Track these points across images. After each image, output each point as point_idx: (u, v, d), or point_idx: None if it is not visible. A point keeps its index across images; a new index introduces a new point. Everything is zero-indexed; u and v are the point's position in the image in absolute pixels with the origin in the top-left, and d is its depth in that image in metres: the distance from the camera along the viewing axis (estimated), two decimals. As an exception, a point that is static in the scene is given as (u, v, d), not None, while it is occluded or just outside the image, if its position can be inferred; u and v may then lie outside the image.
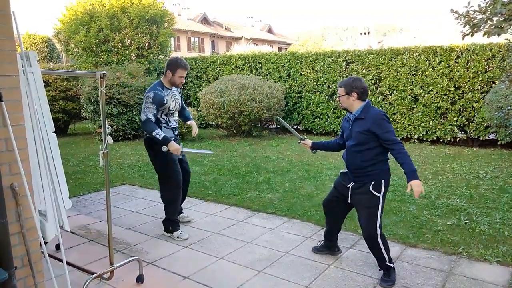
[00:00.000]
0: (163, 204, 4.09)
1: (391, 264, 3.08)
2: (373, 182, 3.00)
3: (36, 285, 2.34)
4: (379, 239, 3.02)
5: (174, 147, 3.67)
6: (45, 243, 2.66)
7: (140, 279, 3.12)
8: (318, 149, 3.60)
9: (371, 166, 3.02)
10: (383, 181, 3.02)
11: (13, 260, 2.21)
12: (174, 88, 3.99)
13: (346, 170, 3.24)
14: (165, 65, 3.94)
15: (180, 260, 3.53)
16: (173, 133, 4.00)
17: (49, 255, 2.67)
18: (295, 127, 11.04)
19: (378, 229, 3.02)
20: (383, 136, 2.94)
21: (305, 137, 3.64)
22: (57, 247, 3.57)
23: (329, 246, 3.57)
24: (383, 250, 3.04)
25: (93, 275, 2.85)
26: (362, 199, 3.07)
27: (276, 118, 9.08)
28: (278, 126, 11.34)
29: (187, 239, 3.96)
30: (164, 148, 3.69)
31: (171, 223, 4.04)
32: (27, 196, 2.27)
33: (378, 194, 3.01)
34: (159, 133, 3.64)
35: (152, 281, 3.16)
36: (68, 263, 2.82)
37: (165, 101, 3.83)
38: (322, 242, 3.62)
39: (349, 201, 3.18)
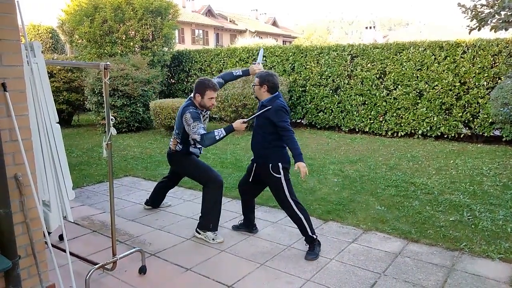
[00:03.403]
0: (201, 207, 3.86)
1: (314, 236, 3.45)
2: (270, 165, 3.42)
3: (40, 275, 2.36)
4: (294, 207, 3.42)
5: (238, 125, 3.45)
6: (49, 233, 2.69)
7: (142, 270, 3.14)
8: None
9: (268, 149, 3.46)
10: (279, 164, 3.42)
11: (17, 249, 2.23)
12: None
13: None
14: (194, 87, 3.79)
15: (183, 252, 3.55)
16: (200, 151, 4.02)
17: (53, 245, 2.69)
18: (299, 121, 11.00)
19: (290, 200, 3.43)
20: (279, 124, 3.36)
21: (243, 113, 3.90)
22: (61, 237, 3.60)
23: (248, 225, 3.95)
24: (302, 217, 3.42)
25: (96, 266, 2.87)
26: (267, 180, 3.55)
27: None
28: None
29: (223, 242, 3.72)
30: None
31: (213, 221, 3.76)
32: (31, 186, 2.29)
33: (278, 175, 3.42)
34: (220, 133, 3.45)
35: (155, 272, 3.18)
36: (71, 253, 2.84)
37: (201, 117, 3.71)
38: (242, 221, 3.99)
39: (262, 180, 3.62)
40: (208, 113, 4.01)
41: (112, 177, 2.94)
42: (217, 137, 3.45)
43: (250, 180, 3.70)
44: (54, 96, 3.17)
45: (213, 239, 3.72)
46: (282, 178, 3.42)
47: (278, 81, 3.52)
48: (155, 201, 4.63)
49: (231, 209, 4.61)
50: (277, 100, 3.45)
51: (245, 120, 3.46)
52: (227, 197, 5.03)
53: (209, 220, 3.78)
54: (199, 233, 3.82)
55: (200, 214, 3.85)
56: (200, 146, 3.92)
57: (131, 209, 4.66)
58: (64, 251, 2.66)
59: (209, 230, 3.76)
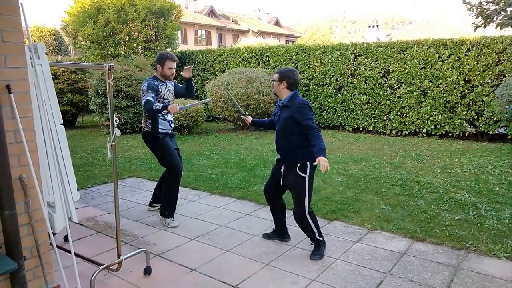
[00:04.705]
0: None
1: (320, 238, 3.43)
2: (299, 164, 3.30)
3: (45, 276, 2.36)
4: (307, 216, 3.35)
5: (172, 107, 3.68)
6: (54, 234, 2.69)
7: (147, 271, 3.14)
8: (256, 126, 3.78)
9: (296, 150, 3.33)
10: (308, 163, 3.30)
11: (22, 251, 2.23)
12: (168, 81, 4.18)
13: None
14: (155, 61, 4.17)
15: (187, 253, 3.55)
16: (169, 125, 4.19)
17: (58, 246, 2.70)
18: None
19: (307, 207, 3.34)
20: (303, 122, 3.24)
21: (247, 113, 3.85)
22: (65, 238, 3.60)
23: (280, 233, 3.78)
24: (312, 225, 3.38)
25: (101, 267, 2.87)
26: (291, 180, 3.39)
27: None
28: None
29: (177, 226, 4.12)
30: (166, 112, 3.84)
31: (168, 209, 4.24)
32: (35, 188, 2.29)
33: (304, 175, 3.31)
34: (157, 105, 3.75)
35: (160, 273, 3.18)
36: (76, 255, 2.84)
37: (160, 89, 4.03)
38: (274, 228, 3.82)
39: (282, 183, 3.48)
40: (172, 86, 4.26)
41: (116, 178, 2.94)
42: (153, 108, 3.74)
43: (281, 183, 3.50)
44: (58, 97, 3.23)
45: (168, 224, 4.16)
46: (307, 178, 3.30)
47: (298, 78, 3.40)
48: (158, 198, 4.62)
49: (235, 209, 4.61)
50: (298, 98, 3.35)
51: (182, 107, 3.75)
52: (231, 197, 5.03)
53: (167, 208, 4.21)
54: (160, 218, 4.28)
55: (163, 201, 4.28)
56: (170, 119, 4.20)
57: (136, 210, 4.67)
58: (69, 252, 2.66)
59: (166, 217, 4.20)
